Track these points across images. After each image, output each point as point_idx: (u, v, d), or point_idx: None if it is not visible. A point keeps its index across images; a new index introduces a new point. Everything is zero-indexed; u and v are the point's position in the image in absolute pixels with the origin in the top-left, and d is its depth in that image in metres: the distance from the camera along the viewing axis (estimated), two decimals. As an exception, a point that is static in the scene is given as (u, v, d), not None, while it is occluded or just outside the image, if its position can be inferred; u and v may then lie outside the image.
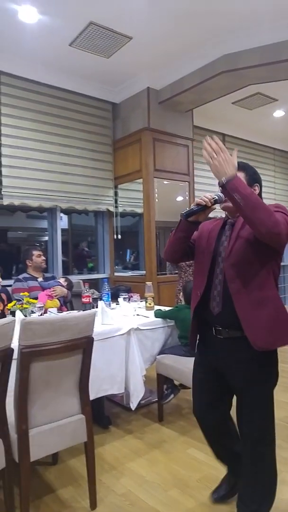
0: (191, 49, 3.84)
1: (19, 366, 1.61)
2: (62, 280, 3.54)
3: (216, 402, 1.63)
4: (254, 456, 1.49)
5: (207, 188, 5.87)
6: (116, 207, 4.84)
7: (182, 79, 4.18)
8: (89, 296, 3.07)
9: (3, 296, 3.11)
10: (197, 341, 1.65)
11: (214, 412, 1.64)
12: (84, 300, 3.05)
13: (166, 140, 4.59)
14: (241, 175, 1.47)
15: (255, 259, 1.40)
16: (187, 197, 4.85)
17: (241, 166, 1.52)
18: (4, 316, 2.85)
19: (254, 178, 1.55)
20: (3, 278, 3.08)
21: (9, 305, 2.72)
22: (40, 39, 3.54)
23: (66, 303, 3.42)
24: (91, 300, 3.05)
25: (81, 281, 3.93)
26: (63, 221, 4.81)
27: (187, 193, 4.88)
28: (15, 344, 1.63)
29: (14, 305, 2.66)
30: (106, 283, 3.31)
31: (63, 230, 4.64)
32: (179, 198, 4.82)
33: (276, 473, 1.53)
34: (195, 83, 4.05)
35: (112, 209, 4.81)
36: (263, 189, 6.16)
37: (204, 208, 1.44)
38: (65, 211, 4.70)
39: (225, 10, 3.23)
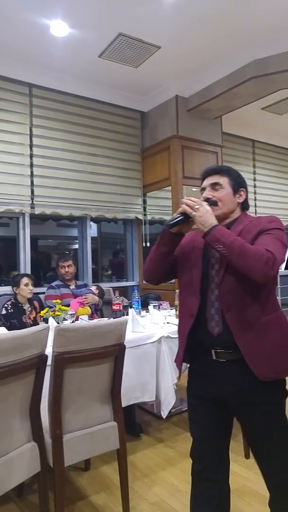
0: (219, 55, 3.84)
1: (53, 372, 1.65)
2: (93, 288, 3.59)
3: (217, 441, 1.39)
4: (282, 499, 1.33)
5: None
6: (145, 215, 4.88)
7: (211, 86, 4.18)
8: (119, 304, 3.10)
9: (36, 303, 3.20)
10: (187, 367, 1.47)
11: (214, 455, 1.39)
12: (114, 307, 3.08)
13: (195, 147, 4.59)
14: (225, 180, 1.40)
15: (253, 282, 1.23)
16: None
17: (225, 170, 1.42)
18: (37, 323, 2.93)
19: (239, 182, 1.43)
20: (34, 286, 3.16)
21: (42, 312, 2.79)
22: (70, 52, 3.63)
23: (97, 311, 3.47)
24: (121, 308, 3.08)
25: (111, 288, 3.97)
26: (92, 229, 4.88)
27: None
28: (49, 351, 1.66)
29: (46, 312, 2.73)
30: (136, 291, 3.32)
31: (92, 238, 4.71)
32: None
33: None
34: (224, 90, 4.04)
35: (141, 217, 4.84)
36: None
37: (188, 218, 1.32)
38: (95, 220, 4.78)
39: (254, 15, 3.21)
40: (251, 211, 6.19)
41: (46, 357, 1.66)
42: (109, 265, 6.34)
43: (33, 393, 1.64)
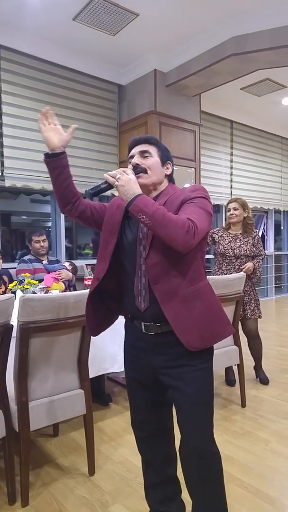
0: (200, 29, 3.77)
1: (19, 341, 1.65)
2: (67, 264, 3.57)
3: (154, 410, 1.42)
4: (199, 474, 1.28)
5: (214, 175, 5.85)
6: (121, 191, 4.83)
7: (190, 62, 4.12)
8: (91, 279, 3.10)
9: (5, 278, 3.15)
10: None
11: (153, 423, 1.43)
12: (86, 282, 3.08)
13: (173, 124, 4.55)
14: (153, 149, 1.36)
15: (178, 253, 1.21)
16: (193, 184, 4.83)
17: (154, 140, 1.39)
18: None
19: (166, 155, 1.40)
20: (5, 261, 3.10)
21: (10, 286, 2.76)
22: (41, 11, 3.42)
23: (70, 287, 3.46)
24: (93, 283, 3.09)
25: (84, 265, 3.96)
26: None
27: (193, 180, 4.85)
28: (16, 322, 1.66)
29: (15, 285, 2.69)
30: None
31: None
32: (186, 185, 4.78)
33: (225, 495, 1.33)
34: (203, 66, 4.00)
35: (117, 193, 4.80)
36: (271, 178, 6.14)
37: (111, 187, 1.26)
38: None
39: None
40: (226, 192, 6.25)
41: (12, 326, 1.65)
42: (92, 243, 6.30)
43: (-2, 362, 1.64)
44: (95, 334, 1.50)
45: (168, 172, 1.40)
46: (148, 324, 1.31)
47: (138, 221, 1.23)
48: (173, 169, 1.43)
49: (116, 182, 1.21)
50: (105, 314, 1.48)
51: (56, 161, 1.35)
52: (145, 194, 1.22)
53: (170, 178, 1.42)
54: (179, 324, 1.24)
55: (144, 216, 1.16)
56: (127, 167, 1.32)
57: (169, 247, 1.19)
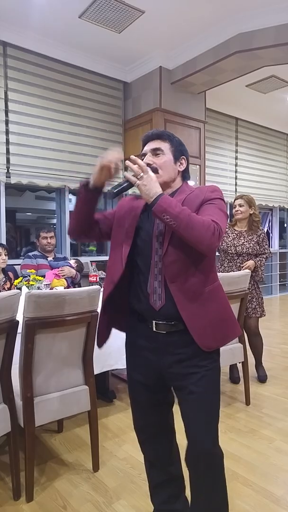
0: (205, 26, 3.75)
1: (24, 337, 1.66)
2: (72, 262, 3.57)
3: (156, 411, 1.41)
4: (205, 474, 1.27)
5: (219, 172, 5.83)
6: (126, 188, 4.83)
7: (195, 59, 4.10)
8: (96, 276, 3.11)
9: (10, 274, 3.16)
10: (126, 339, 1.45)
11: (155, 424, 1.42)
12: (91, 279, 3.08)
13: (178, 121, 4.53)
14: (166, 146, 1.33)
15: (197, 252, 1.21)
16: (197, 182, 4.81)
17: (167, 136, 1.34)
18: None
19: (180, 150, 1.36)
20: (10, 258, 3.11)
21: (16, 282, 2.77)
22: (48, 9, 3.43)
23: (74, 284, 3.46)
24: (98, 279, 3.09)
25: (89, 261, 3.97)
26: (72, 203, 4.81)
27: (197, 177, 4.84)
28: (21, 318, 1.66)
29: (20, 281, 2.70)
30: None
31: (72, 212, 4.63)
32: (191, 183, 4.76)
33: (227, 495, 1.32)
34: (208, 64, 3.98)
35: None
36: (276, 176, 6.10)
37: (132, 185, 1.22)
38: (74, 192, 4.70)
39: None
40: (231, 190, 6.22)
41: (17, 322, 1.66)
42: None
43: (3, 358, 1.65)
44: (102, 345, 1.47)
45: (182, 168, 1.36)
46: (159, 322, 1.28)
47: (161, 221, 1.19)
48: (188, 164, 1.38)
49: (138, 182, 1.19)
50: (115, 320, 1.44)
51: (96, 195, 1.33)
52: (166, 194, 1.20)
53: (184, 173, 1.38)
54: (194, 324, 1.23)
55: (168, 217, 1.14)
56: None
57: (189, 246, 1.18)
